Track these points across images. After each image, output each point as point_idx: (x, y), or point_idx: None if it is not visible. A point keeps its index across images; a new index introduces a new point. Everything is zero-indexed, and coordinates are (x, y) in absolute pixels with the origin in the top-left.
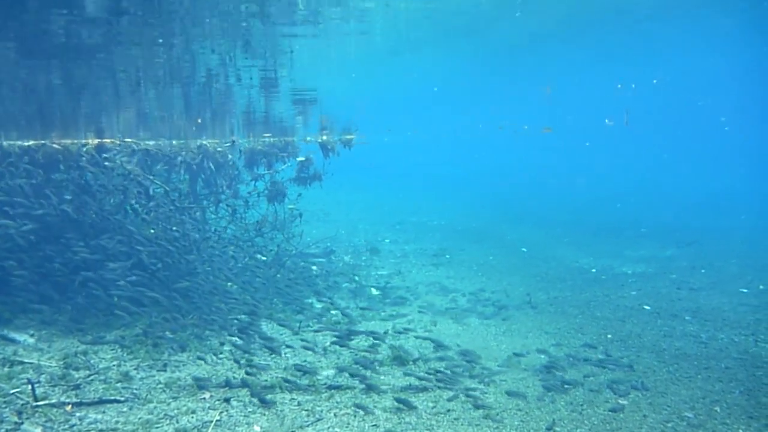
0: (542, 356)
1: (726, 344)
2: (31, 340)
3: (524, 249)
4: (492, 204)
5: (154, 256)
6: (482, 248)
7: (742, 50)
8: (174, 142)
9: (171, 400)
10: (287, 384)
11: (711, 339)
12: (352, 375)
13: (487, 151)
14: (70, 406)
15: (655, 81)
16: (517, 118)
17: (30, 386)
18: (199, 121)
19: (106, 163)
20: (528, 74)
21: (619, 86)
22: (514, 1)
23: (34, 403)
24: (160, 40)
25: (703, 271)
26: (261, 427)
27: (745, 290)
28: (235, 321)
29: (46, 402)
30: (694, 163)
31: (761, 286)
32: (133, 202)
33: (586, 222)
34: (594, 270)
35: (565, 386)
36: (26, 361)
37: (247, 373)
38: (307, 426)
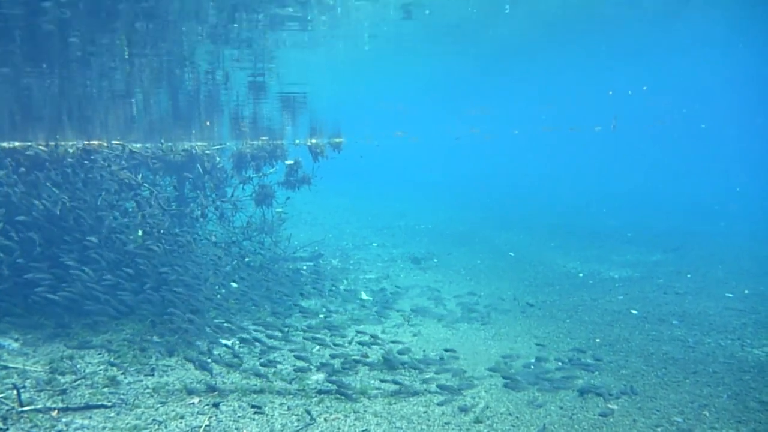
0: (531, 360)
1: (713, 348)
2: (16, 345)
3: (512, 253)
4: (479, 208)
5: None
6: (470, 252)
7: (728, 56)
8: (162, 145)
9: (159, 405)
10: (277, 389)
11: (698, 343)
12: (341, 379)
13: (476, 155)
14: (56, 411)
15: (645, 88)
16: (514, 120)
17: (15, 391)
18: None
19: (93, 166)
20: (520, 77)
21: (611, 93)
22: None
23: (20, 409)
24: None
25: (688, 275)
26: None
27: (730, 295)
28: (225, 325)
29: (32, 407)
30: (673, 168)
31: (746, 291)
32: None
33: (573, 226)
34: (581, 274)
35: (555, 390)
36: (11, 365)
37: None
38: (299, 431)
